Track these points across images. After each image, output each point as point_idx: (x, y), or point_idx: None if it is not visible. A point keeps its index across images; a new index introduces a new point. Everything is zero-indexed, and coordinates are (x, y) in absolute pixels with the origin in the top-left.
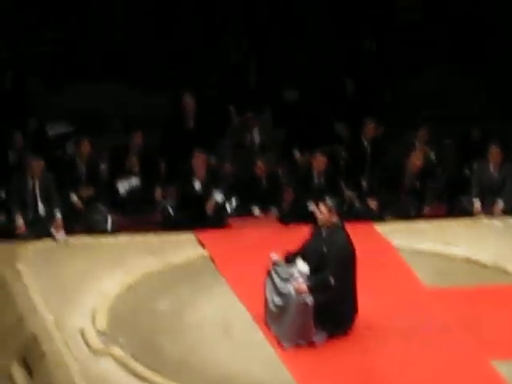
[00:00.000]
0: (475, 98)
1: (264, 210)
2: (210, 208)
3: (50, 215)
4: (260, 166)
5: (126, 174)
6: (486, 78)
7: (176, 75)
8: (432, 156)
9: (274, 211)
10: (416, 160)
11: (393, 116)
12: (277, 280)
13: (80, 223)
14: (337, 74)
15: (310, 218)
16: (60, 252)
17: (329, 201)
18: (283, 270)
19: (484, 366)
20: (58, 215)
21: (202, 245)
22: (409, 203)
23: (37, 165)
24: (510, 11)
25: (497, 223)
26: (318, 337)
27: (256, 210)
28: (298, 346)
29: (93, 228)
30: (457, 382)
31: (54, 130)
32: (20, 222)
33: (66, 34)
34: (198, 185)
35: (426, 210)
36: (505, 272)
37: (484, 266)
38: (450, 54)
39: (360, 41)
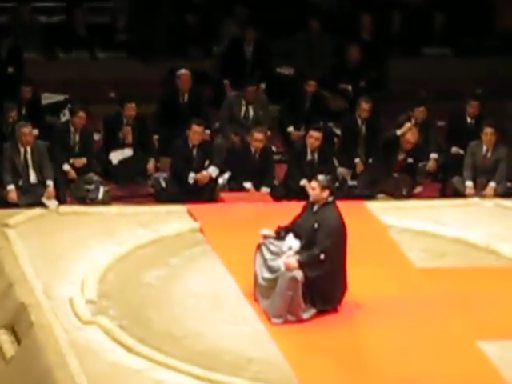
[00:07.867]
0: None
1: (256, 184)
2: (202, 181)
3: (42, 184)
4: (255, 138)
5: (119, 144)
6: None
7: (173, 47)
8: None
9: (265, 187)
10: (411, 137)
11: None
12: (267, 255)
13: (72, 192)
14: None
15: (301, 194)
16: (51, 221)
17: (321, 177)
18: (274, 244)
19: (470, 345)
20: (50, 184)
21: (194, 218)
22: (401, 181)
23: (29, 132)
24: None
25: (488, 204)
26: (307, 313)
27: (248, 185)
28: (286, 321)
29: (84, 198)
30: (442, 359)
31: (49, 98)
32: (11, 189)
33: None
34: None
35: (419, 190)
36: (495, 253)
37: (475, 247)
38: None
39: None
